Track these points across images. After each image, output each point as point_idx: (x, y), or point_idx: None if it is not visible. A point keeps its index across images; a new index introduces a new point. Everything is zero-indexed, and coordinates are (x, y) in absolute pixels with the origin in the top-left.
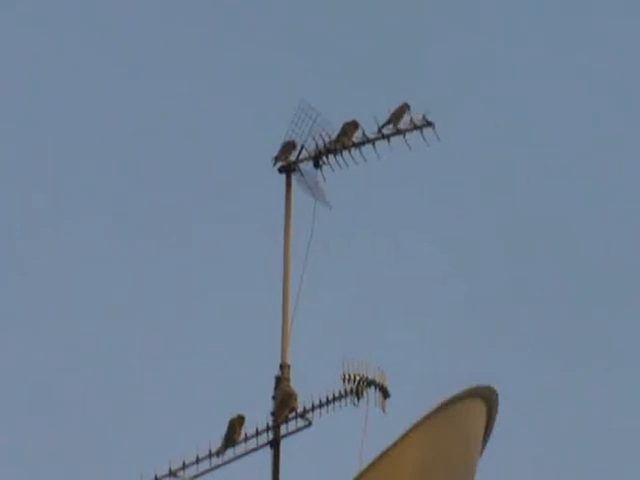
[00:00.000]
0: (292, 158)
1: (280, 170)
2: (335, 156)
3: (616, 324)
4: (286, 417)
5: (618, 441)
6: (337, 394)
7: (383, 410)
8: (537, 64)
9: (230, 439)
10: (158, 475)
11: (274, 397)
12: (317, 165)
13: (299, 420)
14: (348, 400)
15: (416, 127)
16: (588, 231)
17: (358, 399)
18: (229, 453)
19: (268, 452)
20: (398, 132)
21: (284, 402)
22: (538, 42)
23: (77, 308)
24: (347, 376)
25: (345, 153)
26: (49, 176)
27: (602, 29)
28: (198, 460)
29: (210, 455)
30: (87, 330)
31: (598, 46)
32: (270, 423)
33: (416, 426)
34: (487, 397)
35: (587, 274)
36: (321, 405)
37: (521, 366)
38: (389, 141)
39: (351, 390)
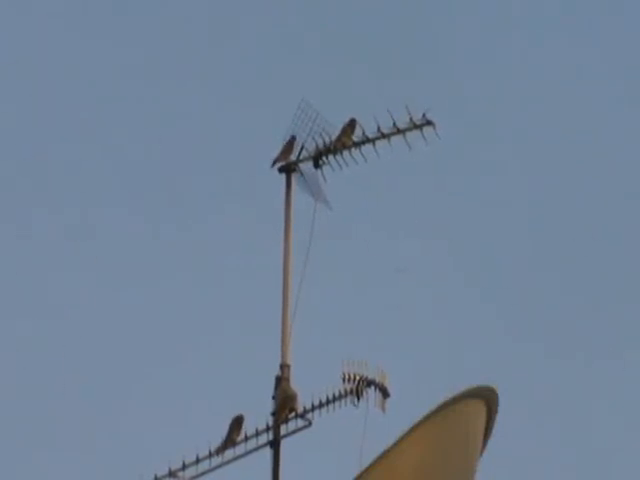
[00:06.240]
0: (292, 158)
1: (280, 170)
2: (335, 156)
3: (623, 323)
4: (286, 417)
5: (620, 442)
6: (337, 394)
7: (383, 410)
8: (538, 63)
9: (230, 439)
10: (158, 475)
11: (274, 397)
12: (317, 165)
13: (299, 420)
14: (348, 400)
15: (416, 126)
16: (593, 228)
17: (358, 399)
18: (229, 453)
19: (268, 452)
20: (398, 131)
21: (284, 402)
22: (539, 41)
23: (72, 306)
24: (347, 376)
25: (345, 153)
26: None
27: (603, 32)
28: (198, 460)
29: (210, 455)
30: (86, 329)
31: (600, 47)
32: (270, 423)
33: (416, 426)
34: (487, 397)
35: (593, 272)
36: (321, 405)
37: (522, 366)
38: (389, 141)
39: (351, 390)
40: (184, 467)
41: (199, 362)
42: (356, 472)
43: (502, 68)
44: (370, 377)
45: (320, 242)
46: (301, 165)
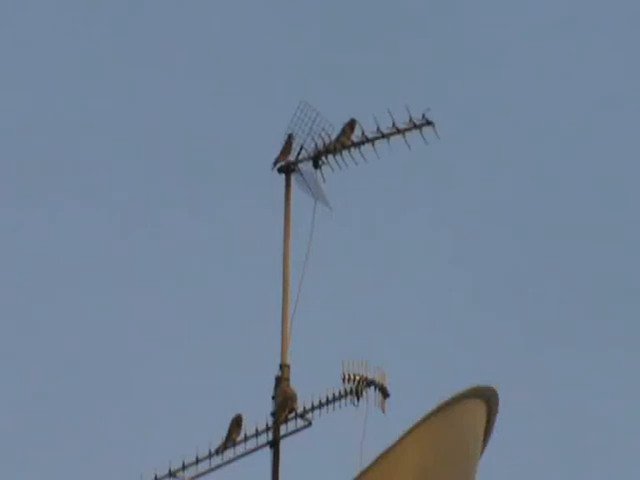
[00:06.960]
0: (291, 158)
1: (280, 170)
2: (335, 156)
3: (625, 324)
4: (286, 417)
5: (620, 442)
6: (337, 394)
7: (383, 410)
8: (538, 63)
9: (230, 439)
10: (158, 475)
11: (274, 397)
12: (316, 165)
13: (299, 420)
14: (348, 400)
15: (415, 126)
16: (593, 228)
17: (358, 399)
18: (229, 453)
19: (268, 452)
20: (398, 131)
21: (284, 402)
22: (539, 41)
23: (71, 307)
24: (347, 376)
25: (345, 153)
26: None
27: (603, 32)
28: (198, 460)
29: (210, 455)
30: (86, 330)
31: (600, 47)
32: (270, 423)
33: (416, 426)
34: (487, 397)
35: (594, 273)
36: (321, 405)
37: (522, 366)
38: (389, 141)
39: (351, 390)
40: (184, 467)
41: (199, 362)
42: (356, 472)
43: (502, 68)
44: (370, 377)
45: (320, 242)
46: (300, 165)
